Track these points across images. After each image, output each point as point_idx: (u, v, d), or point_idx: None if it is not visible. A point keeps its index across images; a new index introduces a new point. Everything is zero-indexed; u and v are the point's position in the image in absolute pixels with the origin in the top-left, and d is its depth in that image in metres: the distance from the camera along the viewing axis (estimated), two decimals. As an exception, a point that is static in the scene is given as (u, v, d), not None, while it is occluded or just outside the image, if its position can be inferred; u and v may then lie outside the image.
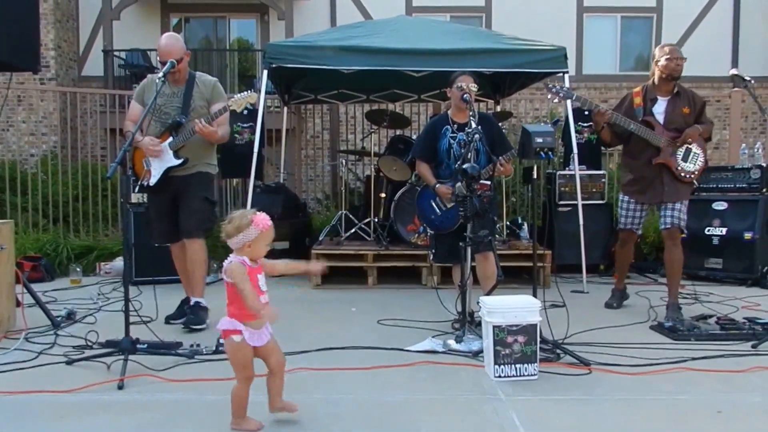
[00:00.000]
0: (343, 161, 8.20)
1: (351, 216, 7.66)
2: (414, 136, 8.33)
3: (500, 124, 6.57)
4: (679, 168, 5.35)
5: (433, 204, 5.08)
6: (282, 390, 3.22)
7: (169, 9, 13.60)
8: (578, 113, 7.36)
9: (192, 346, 4.41)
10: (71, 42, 13.36)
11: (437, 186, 4.96)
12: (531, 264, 4.89)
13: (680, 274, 5.47)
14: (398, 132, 8.95)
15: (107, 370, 3.95)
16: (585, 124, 7.75)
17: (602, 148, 6.27)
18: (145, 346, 4.35)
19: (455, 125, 5.01)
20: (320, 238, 7.50)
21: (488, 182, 4.84)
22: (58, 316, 5.20)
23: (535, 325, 3.83)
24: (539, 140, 4.38)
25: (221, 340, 4.32)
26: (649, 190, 5.46)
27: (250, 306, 2.97)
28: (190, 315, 5.10)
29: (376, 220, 7.41)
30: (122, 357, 3.93)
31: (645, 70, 12.77)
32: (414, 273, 7.03)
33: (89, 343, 4.52)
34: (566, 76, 6.65)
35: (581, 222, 6.65)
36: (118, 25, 12.54)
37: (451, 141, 4.98)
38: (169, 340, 4.58)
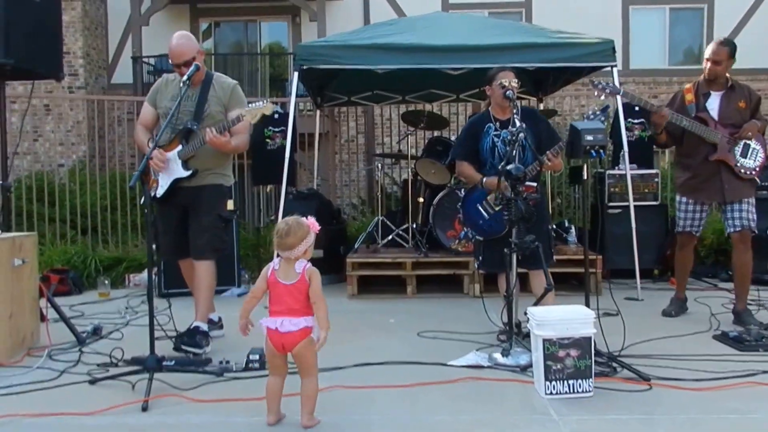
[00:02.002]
0: (379, 165, 7.87)
1: (388, 222, 7.35)
2: (453, 138, 8.00)
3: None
4: (739, 165, 5.02)
5: (480, 208, 4.72)
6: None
7: (198, 13, 13.43)
8: (628, 109, 6.91)
9: (221, 362, 4.18)
10: (100, 50, 13.30)
11: (485, 180, 4.59)
12: (580, 270, 4.58)
13: (750, 279, 5.13)
14: (436, 133, 8.61)
15: (132, 390, 3.72)
16: (635, 121, 7.34)
17: (654, 147, 5.91)
18: (173, 362, 4.16)
19: (497, 122, 4.68)
20: (356, 246, 7.19)
21: (534, 183, 4.49)
22: (83, 332, 5.01)
23: (589, 337, 3.50)
24: (589, 138, 4.04)
25: (251, 356, 4.13)
26: (706, 188, 5.12)
27: (325, 315, 3.16)
28: (185, 336, 4.52)
29: (415, 225, 7.09)
30: (147, 376, 3.70)
31: (696, 64, 12.23)
32: (455, 281, 6.70)
33: (114, 361, 4.30)
34: (614, 70, 6.28)
35: (633, 225, 6.27)
36: (147, 32, 12.32)
37: (495, 139, 4.64)
38: (199, 357, 4.37)
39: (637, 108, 6.98)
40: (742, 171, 5.01)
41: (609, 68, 6.32)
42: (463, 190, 6.49)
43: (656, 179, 7.24)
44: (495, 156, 4.63)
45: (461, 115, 10.08)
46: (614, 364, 3.89)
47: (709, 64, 5.07)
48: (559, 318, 3.53)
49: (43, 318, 5.00)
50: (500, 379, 3.85)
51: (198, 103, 4.64)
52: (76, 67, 12.23)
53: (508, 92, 4.49)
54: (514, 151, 4.26)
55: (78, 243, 8.35)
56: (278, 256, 3.24)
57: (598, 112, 4.32)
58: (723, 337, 4.57)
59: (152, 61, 12.47)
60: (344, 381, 3.83)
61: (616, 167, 7.27)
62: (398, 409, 3.42)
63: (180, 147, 4.61)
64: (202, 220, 4.69)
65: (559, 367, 3.47)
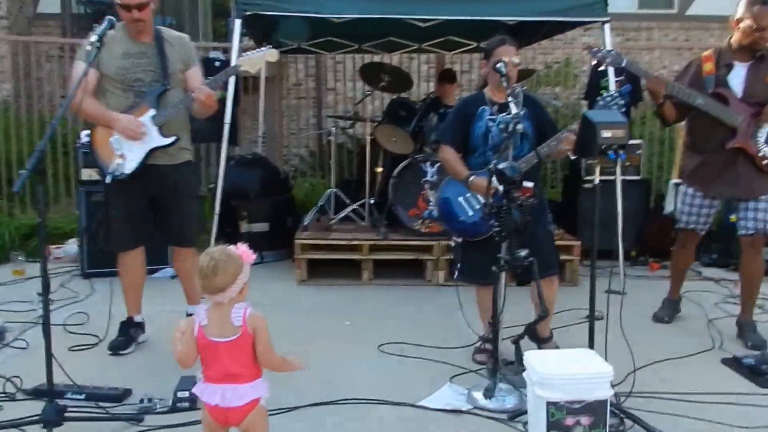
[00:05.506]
0: (333, 129, 6.86)
1: (341, 195, 6.45)
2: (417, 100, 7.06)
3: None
4: (761, 154, 4.21)
5: (463, 201, 3.92)
6: None
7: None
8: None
9: (142, 400, 3.39)
10: (23, -27, 11.63)
11: (472, 179, 3.80)
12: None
13: (759, 288, 4.46)
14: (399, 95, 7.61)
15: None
16: (616, 78, 6.53)
17: (661, 122, 5.08)
18: (83, 396, 3.42)
19: (494, 106, 3.87)
20: (305, 222, 6.28)
21: (531, 185, 3.72)
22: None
23: (605, 401, 2.83)
24: (606, 134, 3.20)
25: (180, 394, 3.36)
26: (719, 181, 4.33)
27: (287, 368, 2.56)
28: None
29: (372, 201, 6.24)
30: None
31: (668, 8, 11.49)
32: (416, 265, 5.88)
33: (9, 394, 3.51)
34: (607, 27, 5.47)
35: (620, 206, 5.54)
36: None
37: (490, 123, 3.84)
38: (114, 387, 3.55)
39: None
40: (764, 162, 4.22)
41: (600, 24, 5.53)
42: (431, 165, 5.73)
43: (639, 151, 6.56)
44: (488, 143, 3.85)
45: (423, 75, 9.08)
46: (621, 415, 3.23)
47: (757, 36, 4.12)
48: (569, 375, 2.83)
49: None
50: (484, 434, 3.17)
51: (160, 60, 4.00)
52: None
53: (498, 65, 3.70)
54: (508, 147, 3.51)
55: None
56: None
57: (616, 95, 3.52)
58: (735, 364, 3.91)
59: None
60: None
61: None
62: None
63: (153, 111, 3.95)
64: (186, 204, 4.25)
65: (566, 437, 2.81)
